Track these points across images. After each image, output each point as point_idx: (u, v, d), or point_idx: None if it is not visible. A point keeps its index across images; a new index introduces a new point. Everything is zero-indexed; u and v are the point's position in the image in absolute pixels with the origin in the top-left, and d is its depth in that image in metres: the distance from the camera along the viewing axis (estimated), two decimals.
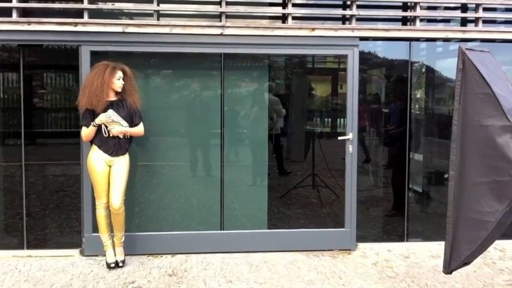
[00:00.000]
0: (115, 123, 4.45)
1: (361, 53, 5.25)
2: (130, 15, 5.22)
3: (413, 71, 5.48)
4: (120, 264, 4.66)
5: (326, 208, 5.70)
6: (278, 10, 5.34)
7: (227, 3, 5.01)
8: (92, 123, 4.44)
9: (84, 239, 4.95)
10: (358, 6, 5.16)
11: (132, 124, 4.59)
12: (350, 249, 5.21)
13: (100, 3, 5.13)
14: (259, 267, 4.74)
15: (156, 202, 5.23)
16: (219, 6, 4.99)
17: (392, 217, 5.67)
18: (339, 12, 5.36)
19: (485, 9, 5.35)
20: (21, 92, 4.95)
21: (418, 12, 5.21)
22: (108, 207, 4.59)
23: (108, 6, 5.23)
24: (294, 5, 5.16)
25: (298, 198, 5.76)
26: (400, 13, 5.47)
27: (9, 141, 5.23)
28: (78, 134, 4.62)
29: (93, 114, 4.44)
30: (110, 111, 4.41)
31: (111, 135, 4.48)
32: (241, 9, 5.14)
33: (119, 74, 4.51)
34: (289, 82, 6.01)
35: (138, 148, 5.11)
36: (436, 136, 5.76)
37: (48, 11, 4.85)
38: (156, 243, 5.04)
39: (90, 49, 4.82)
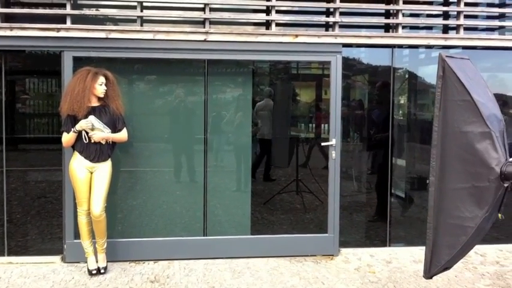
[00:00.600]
0: (97, 129, 4.43)
1: (345, 59, 5.29)
2: (114, 21, 5.21)
3: (396, 77, 5.53)
4: (102, 271, 4.63)
5: (309, 214, 5.71)
6: (262, 17, 5.36)
7: (211, 10, 5.02)
8: (72, 129, 4.41)
9: (65, 246, 4.91)
10: (341, 13, 5.20)
11: (115, 130, 4.57)
12: (333, 255, 5.23)
13: (84, 9, 5.12)
14: (242, 273, 4.73)
15: (139, 208, 5.20)
16: (203, 12, 5.00)
17: (375, 222, 5.70)
18: (322, 19, 5.40)
19: (466, 17, 5.43)
20: (3, 98, 4.91)
21: (401, 19, 5.27)
22: (89, 213, 4.55)
23: (92, 12, 5.22)
24: (278, 11, 5.20)
25: (281, 204, 5.77)
26: (382, 20, 5.53)
27: None
28: (60, 140, 4.57)
29: (74, 120, 4.41)
30: (91, 117, 4.39)
31: (92, 141, 4.45)
32: (225, 15, 5.16)
33: (101, 79, 4.49)
34: (273, 88, 6.02)
35: (121, 154, 5.08)
36: (419, 142, 5.80)
37: (30, 16, 4.82)
38: (139, 250, 5.01)
39: (73, 55, 4.79)
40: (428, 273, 3.32)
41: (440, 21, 5.64)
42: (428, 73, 5.91)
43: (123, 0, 5.03)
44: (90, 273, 4.59)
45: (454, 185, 3.14)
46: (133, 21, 4.94)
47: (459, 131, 3.10)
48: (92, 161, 4.49)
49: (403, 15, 5.32)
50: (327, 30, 5.36)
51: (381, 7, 5.47)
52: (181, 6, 5.13)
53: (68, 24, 4.79)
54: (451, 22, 5.48)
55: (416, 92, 5.95)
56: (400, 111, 5.85)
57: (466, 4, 5.37)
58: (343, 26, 5.24)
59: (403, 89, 5.86)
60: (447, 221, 3.17)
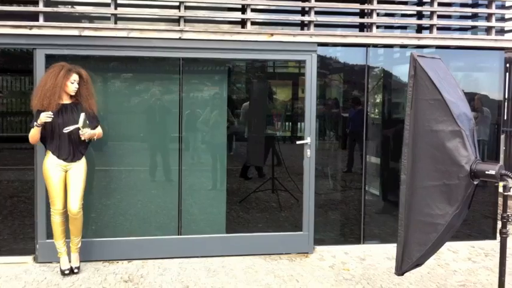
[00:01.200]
0: (86, 127, 4.35)
1: (321, 58, 5.32)
2: (88, 18, 5.16)
3: (371, 76, 5.57)
4: (75, 271, 4.58)
5: (285, 212, 5.73)
6: (237, 15, 5.35)
7: (186, 8, 5.00)
8: (34, 123, 4.30)
9: (38, 246, 4.84)
10: (316, 13, 5.23)
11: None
12: (308, 253, 5.25)
13: (58, 6, 5.05)
14: (217, 271, 4.73)
15: (113, 207, 5.16)
16: (178, 10, 4.97)
17: (349, 219, 5.74)
18: (298, 18, 5.42)
19: (439, 17, 5.50)
20: None
21: (375, 18, 5.31)
22: (63, 213, 4.50)
23: (65, 9, 5.15)
24: (253, 10, 5.19)
25: (257, 202, 5.77)
26: (357, 19, 5.57)
27: None
28: None
29: None
30: (83, 115, 4.30)
31: (83, 139, 4.38)
32: (200, 13, 5.14)
33: (74, 77, 4.42)
34: (249, 87, 6.02)
35: (95, 153, 5.03)
36: (393, 140, 5.84)
37: (3, 13, 4.74)
38: (113, 249, 4.97)
39: (45, 52, 4.73)
40: (400, 270, 3.36)
41: (414, 20, 5.70)
42: (403, 72, 5.95)
43: None
44: (62, 273, 4.53)
45: (424, 183, 3.18)
46: (108, 18, 4.90)
47: (430, 130, 3.14)
48: (65, 160, 4.43)
49: (378, 14, 5.36)
50: (302, 29, 5.39)
51: (356, 6, 5.50)
52: (156, 4, 5.10)
53: (41, 21, 4.72)
54: (425, 22, 5.54)
55: (390, 91, 5.99)
56: (376, 110, 5.91)
57: (440, 4, 5.44)
58: (318, 25, 5.26)
59: (379, 88, 5.91)
60: (418, 218, 3.21)
